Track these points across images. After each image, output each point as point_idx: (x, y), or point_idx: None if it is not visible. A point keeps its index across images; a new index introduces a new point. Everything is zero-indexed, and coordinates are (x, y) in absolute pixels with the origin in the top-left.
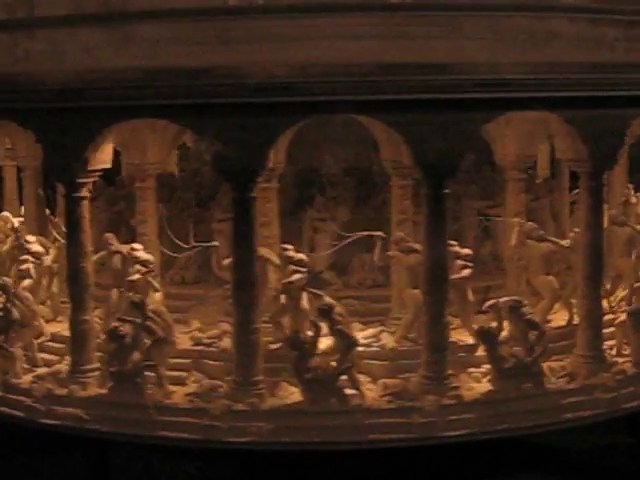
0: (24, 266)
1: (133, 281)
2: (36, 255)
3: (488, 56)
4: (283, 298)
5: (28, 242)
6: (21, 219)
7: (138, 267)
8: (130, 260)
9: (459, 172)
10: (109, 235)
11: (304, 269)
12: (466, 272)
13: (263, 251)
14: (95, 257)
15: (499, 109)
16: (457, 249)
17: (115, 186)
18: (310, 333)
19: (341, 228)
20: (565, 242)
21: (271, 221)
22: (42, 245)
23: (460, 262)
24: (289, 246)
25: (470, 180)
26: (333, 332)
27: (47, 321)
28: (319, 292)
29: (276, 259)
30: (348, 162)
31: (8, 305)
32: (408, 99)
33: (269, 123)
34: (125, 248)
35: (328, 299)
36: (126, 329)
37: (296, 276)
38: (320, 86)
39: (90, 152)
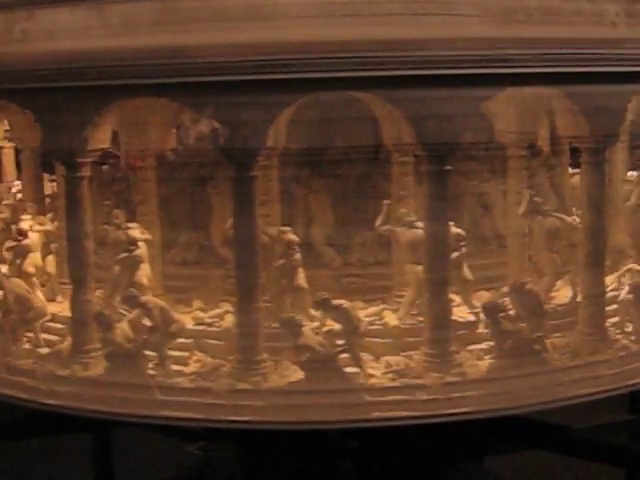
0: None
1: (122, 259)
2: (22, 233)
3: (488, 32)
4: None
5: (21, 220)
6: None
7: (126, 246)
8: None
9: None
10: (117, 211)
11: (295, 250)
12: (454, 255)
13: (272, 230)
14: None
15: (500, 85)
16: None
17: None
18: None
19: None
20: (571, 219)
21: (272, 200)
22: (40, 223)
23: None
24: (286, 228)
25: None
26: (337, 317)
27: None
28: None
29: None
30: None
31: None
32: (408, 75)
33: (268, 101)
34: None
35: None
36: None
37: (283, 260)
38: (319, 63)
39: (89, 132)
